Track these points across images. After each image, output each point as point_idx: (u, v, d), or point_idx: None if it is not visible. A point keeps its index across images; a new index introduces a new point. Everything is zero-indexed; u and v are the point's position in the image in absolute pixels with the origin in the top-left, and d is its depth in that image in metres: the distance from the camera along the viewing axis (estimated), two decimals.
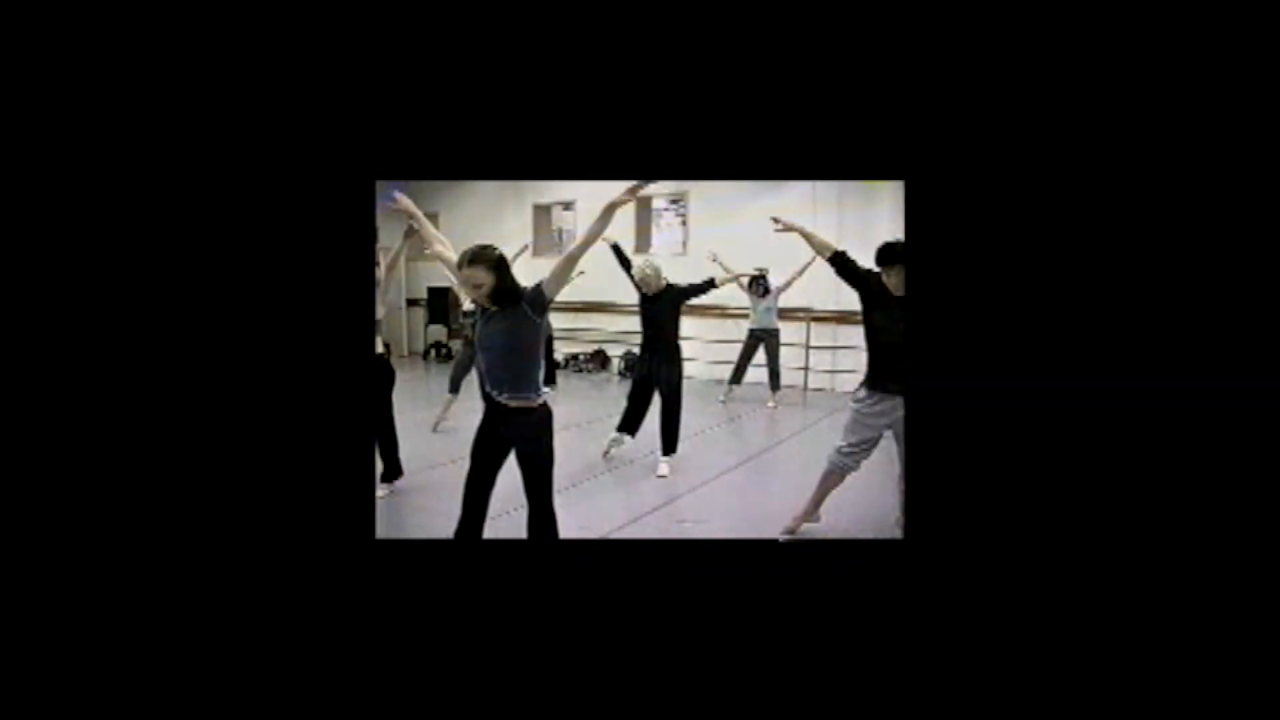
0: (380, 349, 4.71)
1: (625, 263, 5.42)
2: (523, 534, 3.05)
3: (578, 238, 2.91)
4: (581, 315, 10.28)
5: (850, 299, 4.07)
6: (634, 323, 9.16)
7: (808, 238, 4.01)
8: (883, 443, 3.84)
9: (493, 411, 2.93)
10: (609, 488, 4.90)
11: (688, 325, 5.39)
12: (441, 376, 10.00)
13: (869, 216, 8.31)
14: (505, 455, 2.97)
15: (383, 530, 4.13)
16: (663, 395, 5.28)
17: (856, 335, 8.20)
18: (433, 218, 12.43)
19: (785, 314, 8.11)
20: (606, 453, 5.55)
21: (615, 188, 9.32)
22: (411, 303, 12.29)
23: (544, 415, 2.88)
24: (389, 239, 11.72)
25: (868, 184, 8.21)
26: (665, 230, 10.79)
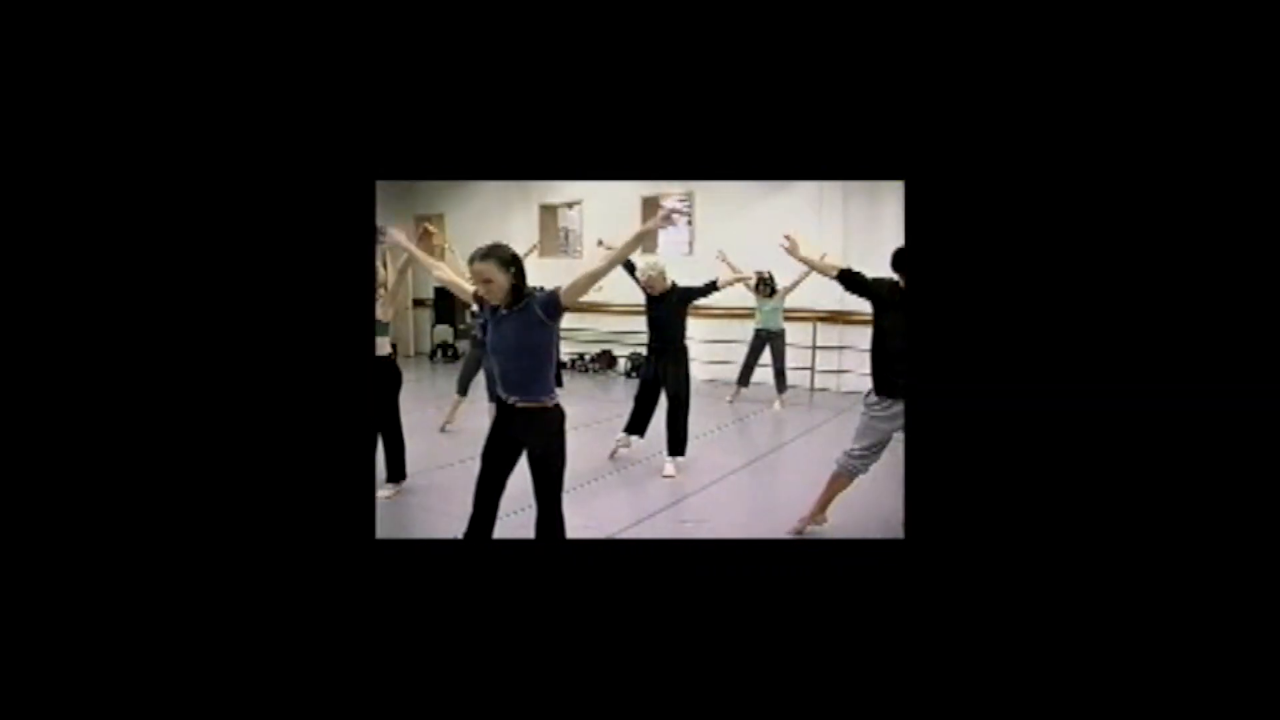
0: (388, 350, 4.72)
1: (630, 268, 5.43)
2: (528, 534, 3.05)
3: (603, 257, 2.88)
4: (588, 315, 10.29)
5: (856, 300, 4.07)
6: (640, 323, 9.17)
7: (814, 265, 4.06)
8: (891, 443, 3.83)
9: (504, 414, 2.93)
10: (615, 488, 4.91)
11: (693, 326, 5.38)
12: (448, 377, 10.02)
13: (874, 217, 8.30)
14: (517, 457, 2.97)
15: (388, 531, 4.14)
16: (669, 396, 5.27)
17: (862, 336, 8.23)
18: (439, 218, 12.50)
19: (791, 314, 8.10)
20: (613, 454, 5.56)
21: (619, 188, 9.35)
22: (418, 303, 12.31)
23: (556, 417, 2.88)
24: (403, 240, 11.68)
25: (873, 184, 8.19)
26: (672, 231, 10.78)
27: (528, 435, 2.88)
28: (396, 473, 4.77)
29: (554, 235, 11.55)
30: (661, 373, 5.28)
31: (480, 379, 6.84)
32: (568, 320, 2.84)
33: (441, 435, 6.26)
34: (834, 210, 8.81)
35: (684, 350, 5.31)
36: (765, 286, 7.71)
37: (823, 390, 8.88)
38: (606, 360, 10.66)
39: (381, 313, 4.69)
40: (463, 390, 6.55)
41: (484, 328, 2.98)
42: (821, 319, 8.75)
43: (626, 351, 10.44)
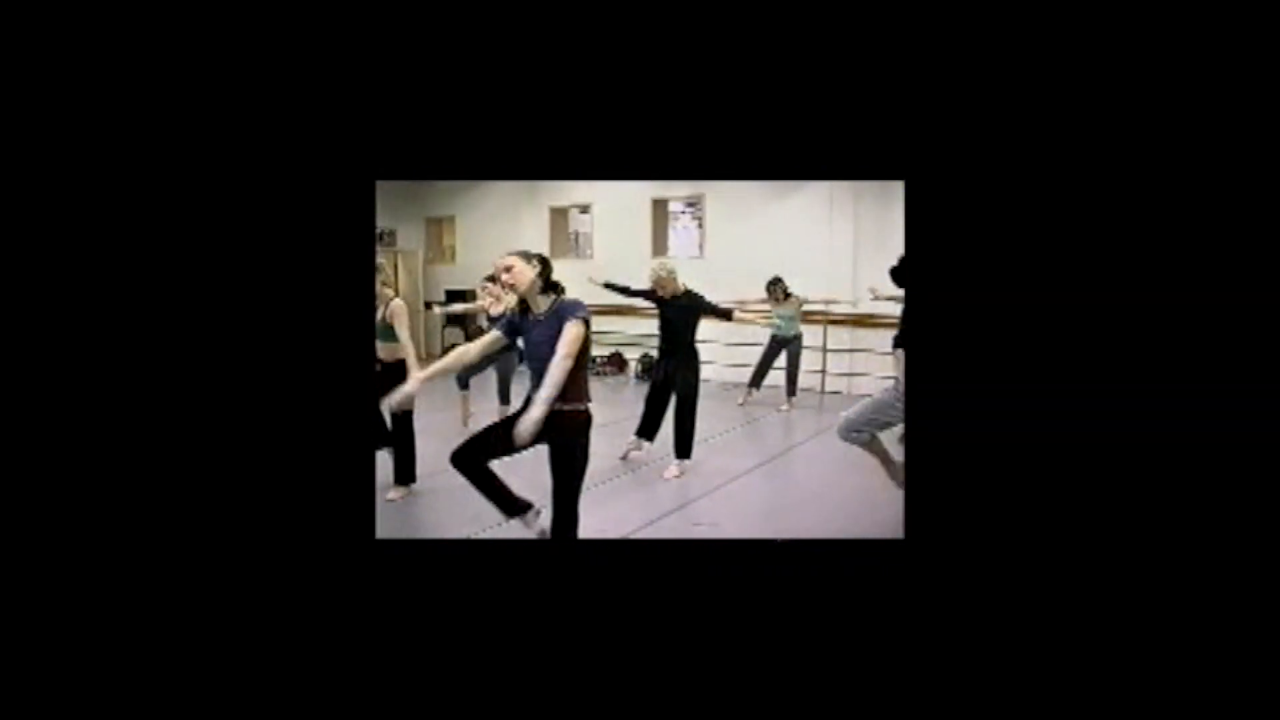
0: (401, 355, 4.73)
1: (623, 290, 5.41)
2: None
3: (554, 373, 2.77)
4: (598, 318, 10.29)
5: (869, 303, 4.05)
6: (652, 325, 9.17)
7: None
8: (891, 443, 3.79)
9: None
10: (625, 491, 4.90)
11: (704, 328, 5.36)
12: (452, 382, 10.03)
13: (886, 219, 8.27)
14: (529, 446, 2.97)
15: (396, 533, 4.14)
16: (677, 398, 5.25)
17: (872, 338, 8.22)
18: (449, 220, 12.53)
19: (802, 317, 8.06)
20: (624, 456, 5.55)
21: (629, 191, 9.35)
22: (428, 306, 12.34)
23: (583, 422, 2.90)
24: (406, 240, 11.72)
25: (884, 187, 8.17)
26: (682, 232, 10.78)
27: (551, 436, 2.88)
28: (406, 475, 4.76)
29: (564, 238, 11.56)
30: (671, 375, 5.26)
31: (486, 378, 6.89)
32: None
33: (454, 437, 6.26)
34: (845, 213, 8.79)
35: (695, 353, 5.28)
36: (777, 288, 7.67)
37: (834, 393, 8.85)
38: (618, 363, 10.66)
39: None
40: (464, 385, 6.60)
41: (509, 331, 2.98)
42: (833, 322, 8.73)
43: (637, 354, 10.45)
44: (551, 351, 2.77)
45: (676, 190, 10.25)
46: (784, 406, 7.80)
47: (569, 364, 2.72)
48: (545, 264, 2.90)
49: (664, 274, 5.18)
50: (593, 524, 3.36)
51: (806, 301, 7.81)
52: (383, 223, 12.09)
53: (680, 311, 5.18)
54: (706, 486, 4.99)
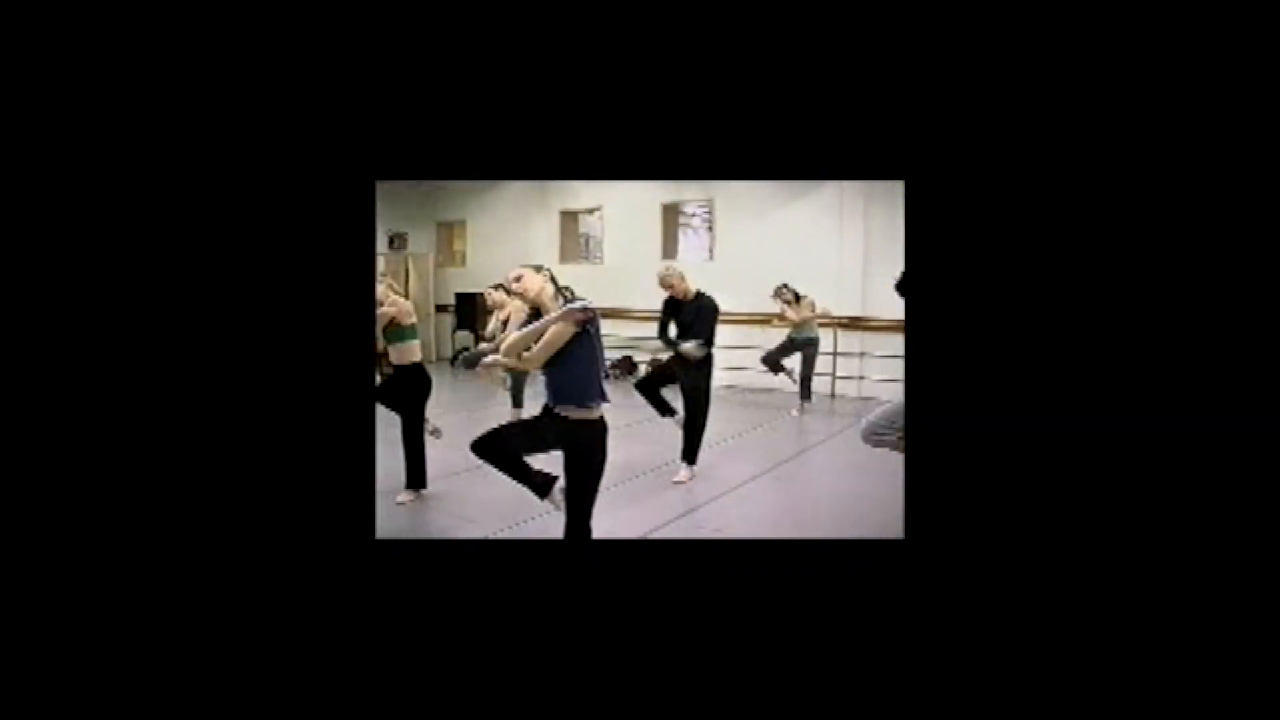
0: (419, 357, 4.74)
1: (664, 326, 5.30)
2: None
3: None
4: (609, 321, 10.31)
5: (879, 306, 4.03)
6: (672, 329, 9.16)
7: None
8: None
9: (550, 422, 2.93)
10: (635, 494, 4.90)
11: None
12: (469, 383, 10.06)
13: (896, 223, 8.24)
14: (543, 449, 3.00)
15: (406, 536, 4.16)
16: (686, 405, 5.22)
17: (884, 342, 8.20)
18: (460, 225, 12.57)
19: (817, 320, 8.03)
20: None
21: (640, 194, 9.33)
22: (440, 309, 12.38)
23: (598, 429, 2.89)
24: (417, 244, 11.75)
25: (895, 190, 8.15)
26: (692, 236, 10.79)
27: (566, 442, 2.89)
28: (417, 480, 4.78)
29: (574, 242, 11.58)
30: (681, 379, 5.25)
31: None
32: None
33: (463, 440, 6.27)
34: (855, 216, 8.77)
35: (709, 358, 5.22)
36: (787, 291, 7.64)
37: (842, 396, 8.84)
38: (627, 366, 10.67)
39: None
40: (517, 403, 6.62)
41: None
42: (842, 325, 8.71)
43: (647, 357, 10.45)
44: (558, 353, 2.79)
45: (687, 194, 10.25)
46: (795, 411, 7.78)
47: (536, 356, 2.76)
48: (552, 276, 3.00)
49: (671, 274, 5.13)
50: (601, 527, 3.37)
51: (817, 307, 7.78)
52: (394, 227, 12.13)
53: (695, 314, 5.13)
54: (716, 491, 4.99)
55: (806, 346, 7.79)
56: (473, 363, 6.53)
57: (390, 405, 4.75)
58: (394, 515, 4.49)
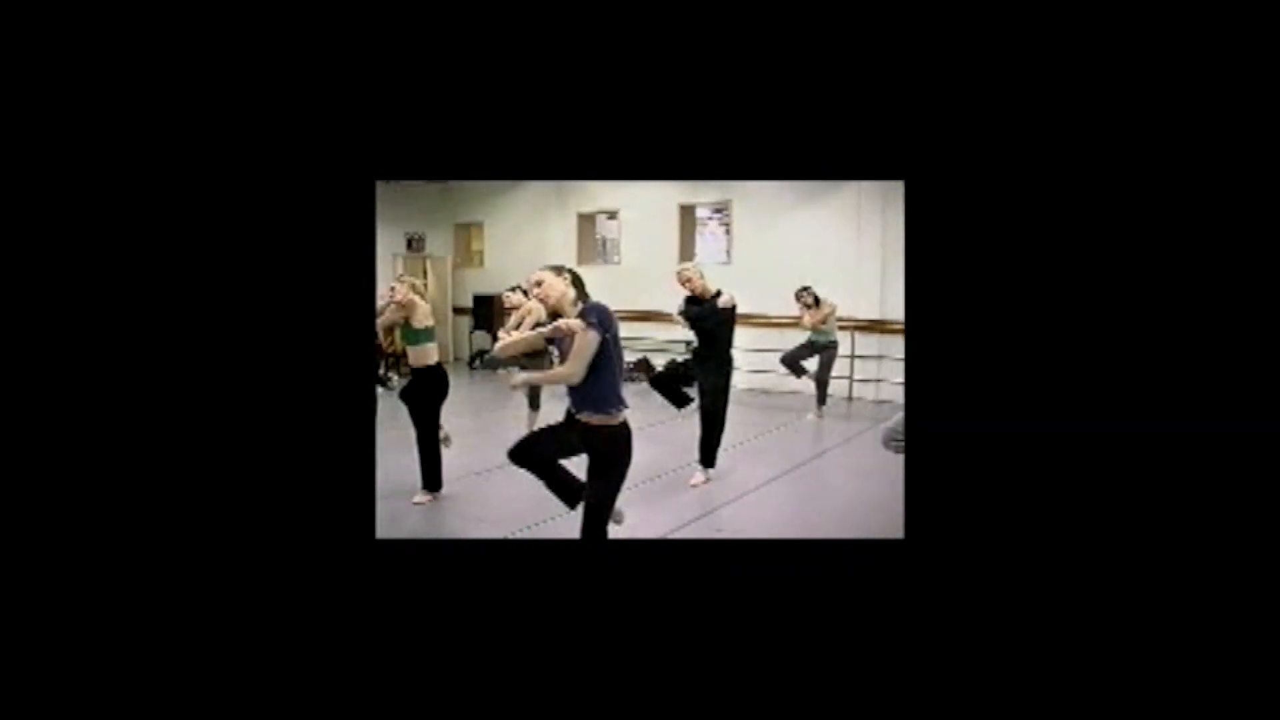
0: (435, 359, 4.74)
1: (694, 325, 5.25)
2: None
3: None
4: (624, 323, 10.29)
5: (897, 309, 4.01)
6: (681, 332, 9.13)
7: None
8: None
9: (575, 428, 2.94)
10: (652, 497, 4.89)
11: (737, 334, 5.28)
12: (486, 384, 10.08)
13: None
14: (571, 454, 3.02)
15: (422, 537, 4.18)
16: (703, 408, 5.19)
17: (902, 346, 8.14)
18: (478, 226, 12.60)
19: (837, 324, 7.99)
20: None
21: (657, 197, 9.28)
22: (457, 310, 12.42)
23: (618, 435, 2.87)
24: (435, 246, 11.78)
25: None
26: (709, 239, 10.77)
27: (588, 447, 2.89)
28: (432, 481, 4.79)
29: (591, 244, 11.59)
30: (700, 382, 5.21)
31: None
32: None
33: (479, 441, 6.29)
34: (873, 219, 8.73)
35: (728, 359, 5.18)
36: (807, 294, 7.62)
37: (859, 399, 8.80)
38: (645, 368, 10.67)
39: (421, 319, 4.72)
40: (534, 404, 6.62)
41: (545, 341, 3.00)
42: (860, 328, 8.68)
43: (664, 359, 10.44)
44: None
45: (704, 196, 10.24)
46: (812, 414, 7.75)
47: (572, 369, 2.73)
48: (576, 276, 2.91)
49: (690, 272, 5.10)
50: (618, 530, 3.37)
51: (837, 311, 7.75)
52: (412, 228, 12.18)
53: (711, 316, 5.09)
54: (734, 493, 4.98)
55: (826, 349, 7.76)
56: (494, 365, 6.53)
57: (410, 406, 4.77)
58: (410, 516, 4.51)
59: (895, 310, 8.25)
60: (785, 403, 8.07)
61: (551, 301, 2.85)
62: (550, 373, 2.79)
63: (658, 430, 5.60)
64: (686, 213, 10.44)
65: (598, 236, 11.69)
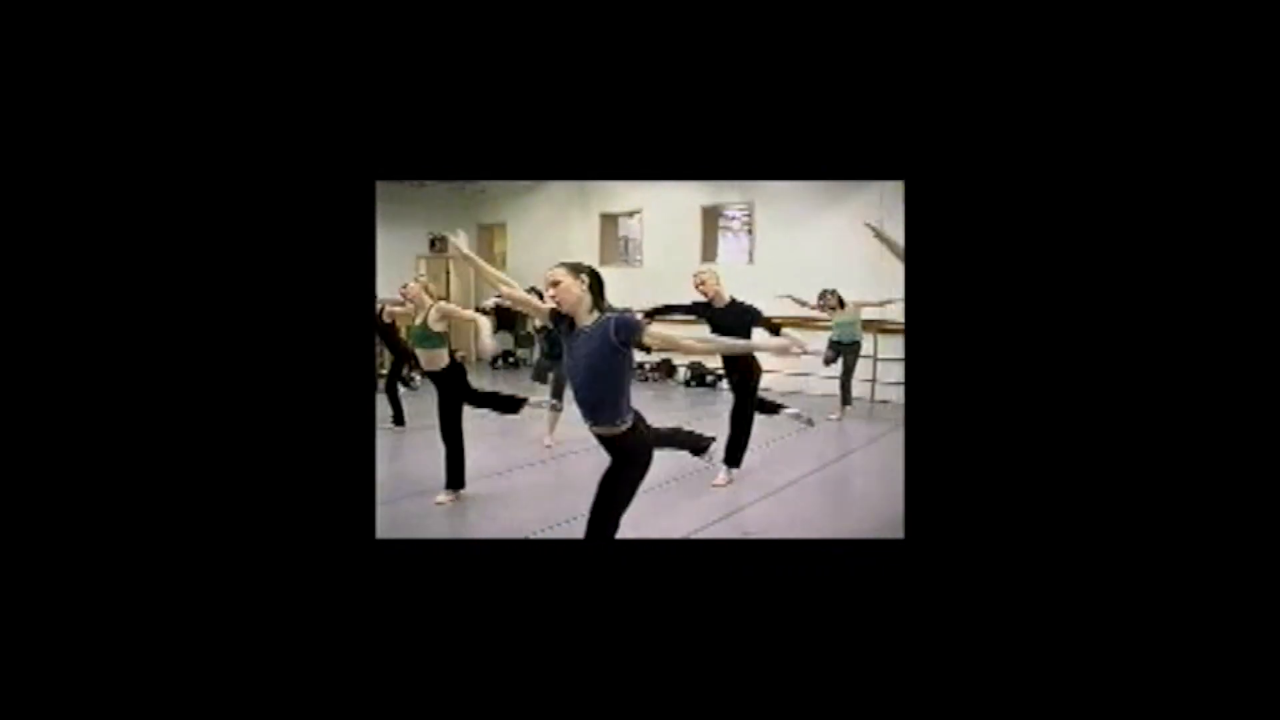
0: (447, 361, 4.76)
1: (670, 309, 5.26)
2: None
3: (708, 343, 2.82)
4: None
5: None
6: (703, 332, 9.10)
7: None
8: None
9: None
10: (676, 497, 4.89)
11: (759, 336, 5.27)
12: (507, 384, 10.10)
13: None
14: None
15: (445, 537, 4.19)
16: (732, 407, 5.21)
17: None
18: (501, 227, 12.65)
19: (862, 324, 7.94)
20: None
21: (679, 197, 9.25)
22: (479, 311, 12.47)
23: (634, 444, 2.81)
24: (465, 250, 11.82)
25: None
26: (732, 240, 10.75)
27: (608, 451, 2.86)
28: (455, 480, 4.82)
29: (614, 244, 11.61)
30: (732, 382, 5.21)
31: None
32: None
33: (501, 441, 6.31)
34: (896, 220, 8.66)
35: (752, 362, 5.16)
36: (831, 296, 7.59)
37: (884, 402, 8.75)
38: (666, 369, 10.66)
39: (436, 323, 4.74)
40: (557, 394, 6.61)
41: (551, 342, 2.96)
42: (884, 331, 8.63)
43: (685, 360, 10.43)
44: (589, 369, 2.71)
45: (726, 197, 10.23)
46: (834, 415, 7.72)
47: (716, 345, 2.72)
48: (595, 278, 2.78)
49: (707, 275, 5.09)
50: (642, 531, 3.37)
51: (864, 305, 7.71)
52: (435, 229, 12.24)
53: (731, 317, 5.08)
54: (757, 494, 4.96)
55: (846, 352, 7.73)
56: (544, 375, 6.52)
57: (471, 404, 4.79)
58: (432, 516, 4.53)
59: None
60: (807, 404, 8.03)
61: (565, 307, 2.75)
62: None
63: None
64: (709, 214, 10.43)
65: (620, 237, 11.69)
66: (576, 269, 2.76)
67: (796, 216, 9.37)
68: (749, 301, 5.10)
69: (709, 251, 10.46)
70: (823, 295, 7.60)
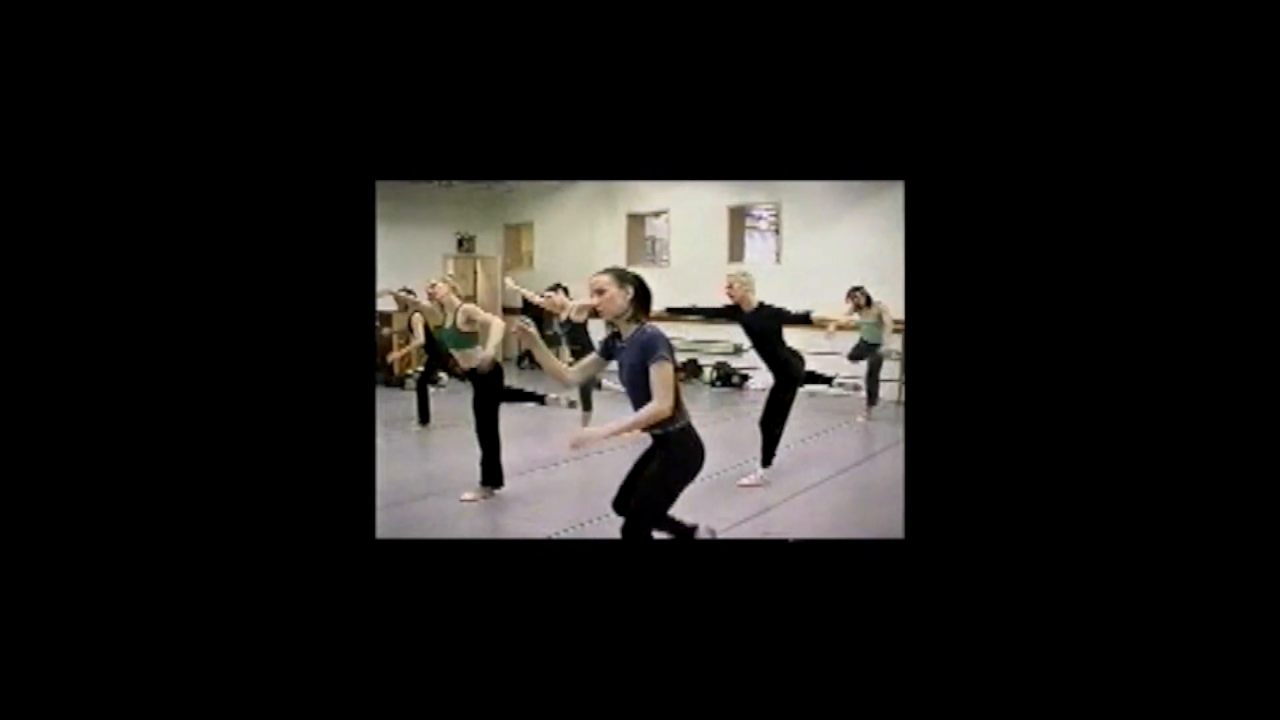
0: (478, 361, 4.79)
1: (697, 311, 5.30)
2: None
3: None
4: (672, 325, 10.29)
5: None
6: (724, 332, 9.10)
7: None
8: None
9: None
10: (701, 499, 4.87)
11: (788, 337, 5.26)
12: (534, 383, 10.14)
13: None
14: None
15: (476, 535, 4.21)
16: (766, 406, 5.23)
17: None
18: (528, 227, 12.70)
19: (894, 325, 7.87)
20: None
21: (706, 198, 9.25)
22: (507, 311, 12.53)
23: (676, 443, 2.80)
24: (485, 247, 11.88)
25: None
26: (759, 240, 10.73)
27: (657, 450, 2.88)
28: (493, 478, 4.83)
29: (641, 244, 11.62)
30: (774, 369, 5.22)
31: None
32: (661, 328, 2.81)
33: (531, 440, 6.33)
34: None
35: (782, 364, 5.15)
36: (860, 294, 7.55)
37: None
38: (692, 369, 10.65)
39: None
40: (586, 405, 6.64)
41: (606, 354, 2.95)
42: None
43: (712, 360, 10.42)
44: (630, 379, 2.76)
45: (753, 197, 10.20)
46: (861, 416, 7.68)
47: (663, 405, 2.65)
48: (640, 288, 2.79)
49: (734, 279, 5.08)
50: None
51: (884, 312, 7.65)
52: (462, 229, 12.32)
53: (762, 320, 5.05)
54: (782, 495, 4.95)
55: (872, 352, 7.68)
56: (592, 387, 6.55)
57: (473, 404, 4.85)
58: (457, 513, 4.55)
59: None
60: (835, 405, 7.99)
61: (607, 315, 2.77)
62: (641, 415, 2.68)
63: (714, 430, 5.58)
64: (736, 214, 10.41)
65: (647, 237, 11.70)
66: (622, 278, 2.78)
67: (824, 216, 9.32)
68: (778, 304, 5.09)
69: (736, 251, 10.44)
70: (852, 292, 7.55)
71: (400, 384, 9.51)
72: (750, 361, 9.23)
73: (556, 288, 6.62)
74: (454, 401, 7.94)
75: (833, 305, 7.78)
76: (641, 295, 2.79)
